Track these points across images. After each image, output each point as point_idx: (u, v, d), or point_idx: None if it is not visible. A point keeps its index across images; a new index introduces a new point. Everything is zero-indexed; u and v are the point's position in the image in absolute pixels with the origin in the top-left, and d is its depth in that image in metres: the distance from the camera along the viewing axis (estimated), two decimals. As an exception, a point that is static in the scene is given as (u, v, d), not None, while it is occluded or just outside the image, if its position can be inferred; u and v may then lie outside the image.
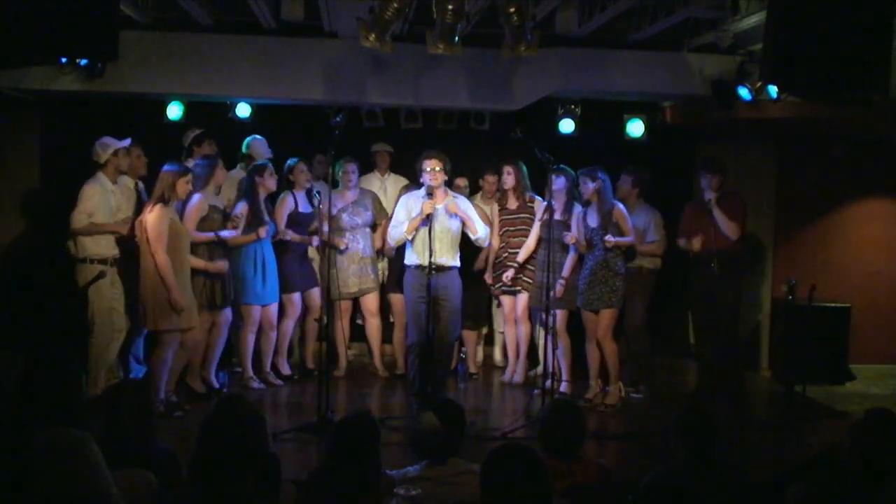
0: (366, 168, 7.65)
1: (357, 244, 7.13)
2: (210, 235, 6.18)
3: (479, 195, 7.56)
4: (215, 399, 6.26)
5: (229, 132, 7.47)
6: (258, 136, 7.31)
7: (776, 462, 5.39)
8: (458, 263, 6.28)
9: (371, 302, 7.26)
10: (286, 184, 6.99)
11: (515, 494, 2.54)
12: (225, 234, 6.27)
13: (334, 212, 6.96)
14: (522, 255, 6.97)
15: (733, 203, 6.72)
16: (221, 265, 6.25)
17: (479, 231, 6.28)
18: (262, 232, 6.52)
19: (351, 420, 3.48)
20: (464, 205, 6.35)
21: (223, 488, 2.50)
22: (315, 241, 6.91)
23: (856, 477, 3.18)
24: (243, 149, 7.27)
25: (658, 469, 3.35)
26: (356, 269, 7.13)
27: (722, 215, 6.62)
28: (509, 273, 6.99)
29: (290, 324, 7.10)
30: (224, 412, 2.60)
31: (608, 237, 6.28)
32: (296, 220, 6.92)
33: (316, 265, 7.25)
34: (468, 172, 7.47)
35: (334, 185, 6.91)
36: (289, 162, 6.98)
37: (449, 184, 7.14)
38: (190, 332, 5.97)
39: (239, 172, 7.11)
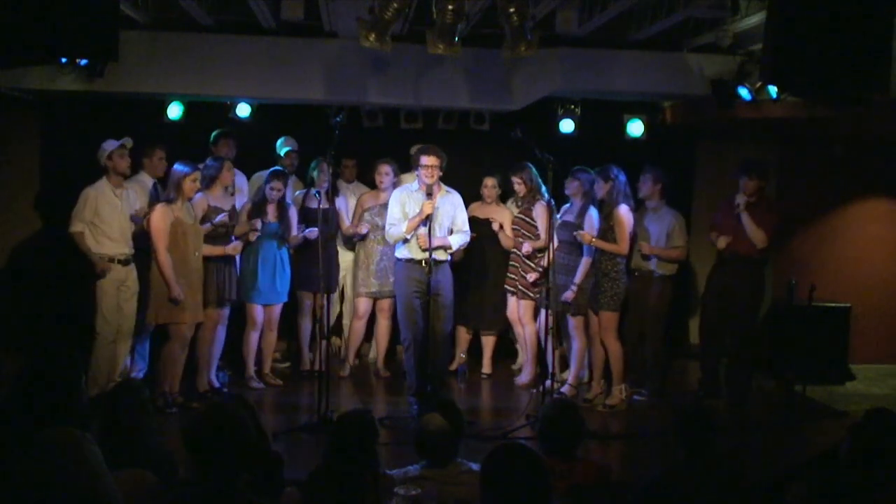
0: (404, 167, 7.64)
1: (378, 245, 7.10)
2: (207, 226, 6.24)
3: (510, 200, 7.51)
4: (212, 398, 6.30)
5: (234, 133, 7.46)
6: (285, 136, 7.50)
7: (776, 462, 5.39)
8: (449, 257, 6.27)
9: (386, 302, 7.25)
10: (310, 181, 7.01)
11: (515, 494, 2.54)
12: (217, 219, 6.30)
13: (364, 226, 7.09)
14: (526, 248, 6.93)
15: (765, 210, 6.53)
16: (237, 245, 6.36)
17: (454, 247, 6.21)
18: (252, 235, 6.53)
19: (348, 418, 3.49)
20: (456, 201, 6.32)
21: (218, 488, 2.51)
22: (310, 231, 6.77)
23: (856, 477, 3.17)
24: (277, 150, 7.42)
25: (658, 469, 3.35)
26: (374, 270, 7.13)
27: (750, 222, 6.46)
28: (532, 275, 6.89)
29: (301, 321, 7.16)
30: (203, 421, 2.63)
31: (583, 232, 6.29)
32: (305, 217, 6.96)
33: (344, 268, 7.32)
34: (469, 172, 7.46)
35: (311, 183, 6.95)
36: (313, 162, 7.01)
37: (477, 182, 7.25)
38: (181, 328, 6.02)
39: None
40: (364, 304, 7.22)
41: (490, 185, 7.29)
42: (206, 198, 6.32)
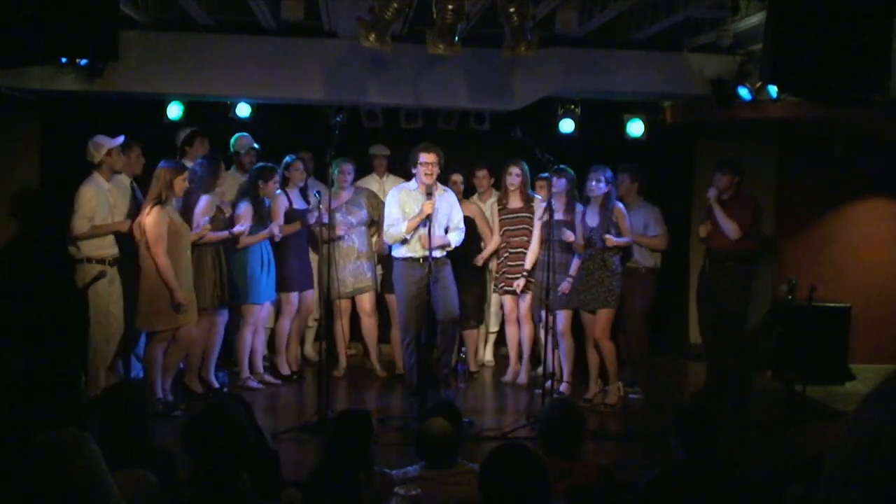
0: (366, 170, 7.67)
1: (352, 243, 7.13)
2: (224, 234, 6.24)
3: (475, 195, 7.55)
4: (211, 398, 6.29)
5: (229, 132, 7.47)
6: (241, 133, 7.37)
7: (776, 462, 5.39)
8: (445, 253, 6.27)
9: (366, 301, 7.25)
10: (283, 181, 7.00)
11: (515, 494, 2.54)
12: (237, 229, 6.32)
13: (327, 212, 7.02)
14: (529, 262, 6.92)
15: (739, 204, 6.61)
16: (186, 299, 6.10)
17: (453, 244, 6.23)
18: (276, 229, 6.55)
19: (345, 417, 3.50)
20: (452, 199, 6.32)
21: (217, 488, 2.51)
22: (311, 218, 6.81)
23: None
24: (231, 148, 7.33)
25: (658, 469, 3.35)
26: (352, 269, 7.13)
27: (722, 214, 6.56)
28: (520, 283, 6.96)
29: (286, 323, 7.11)
30: (200, 421, 2.63)
31: (608, 236, 6.29)
32: (292, 218, 6.93)
33: (316, 265, 7.27)
34: (467, 172, 7.48)
35: (284, 183, 6.96)
36: (286, 159, 7.01)
37: (444, 180, 7.17)
38: (185, 329, 5.99)
39: (234, 173, 7.15)
40: (343, 304, 7.20)
41: (458, 181, 7.32)
42: (212, 200, 6.26)
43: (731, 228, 6.56)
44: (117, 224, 6.06)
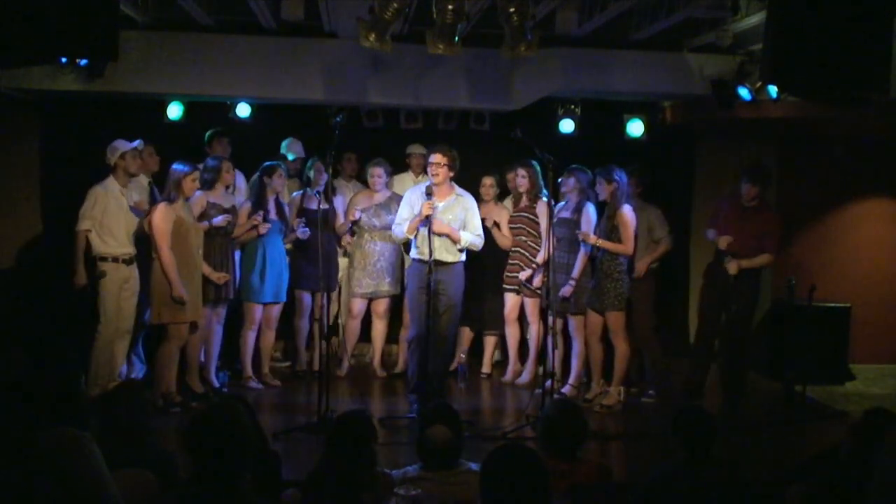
0: (401, 168, 7.71)
1: (374, 246, 7.13)
2: (204, 224, 6.27)
3: (507, 199, 7.53)
4: (212, 398, 6.29)
5: (229, 132, 7.47)
6: (292, 138, 7.54)
7: (776, 462, 5.39)
8: (460, 258, 6.18)
9: (380, 304, 7.26)
10: (307, 181, 7.02)
11: (515, 494, 2.54)
12: (216, 220, 6.33)
13: (357, 212, 7.09)
14: (541, 257, 6.89)
15: (763, 218, 6.68)
16: (222, 276, 6.33)
17: (463, 242, 6.12)
18: (262, 228, 6.55)
19: (347, 418, 3.50)
20: (468, 204, 6.24)
21: (218, 489, 2.51)
22: (302, 232, 6.76)
23: (856, 477, 3.17)
24: (282, 149, 7.46)
25: (658, 469, 3.35)
26: (371, 271, 7.14)
27: (763, 258, 6.66)
28: (525, 273, 6.96)
29: (298, 321, 7.13)
30: (202, 421, 2.63)
31: (590, 233, 6.31)
32: (302, 217, 6.93)
33: (342, 268, 7.34)
34: (468, 172, 7.46)
35: (308, 183, 6.98)
36: (309, 161, 7.05)
37: (476, 182, 7.21)
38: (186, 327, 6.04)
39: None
40: (358, 305, 7.23)
41: (488, 184, 7.30)
42: (204, 196, 6.34)
43: (769, 261, 6.75)
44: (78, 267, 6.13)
